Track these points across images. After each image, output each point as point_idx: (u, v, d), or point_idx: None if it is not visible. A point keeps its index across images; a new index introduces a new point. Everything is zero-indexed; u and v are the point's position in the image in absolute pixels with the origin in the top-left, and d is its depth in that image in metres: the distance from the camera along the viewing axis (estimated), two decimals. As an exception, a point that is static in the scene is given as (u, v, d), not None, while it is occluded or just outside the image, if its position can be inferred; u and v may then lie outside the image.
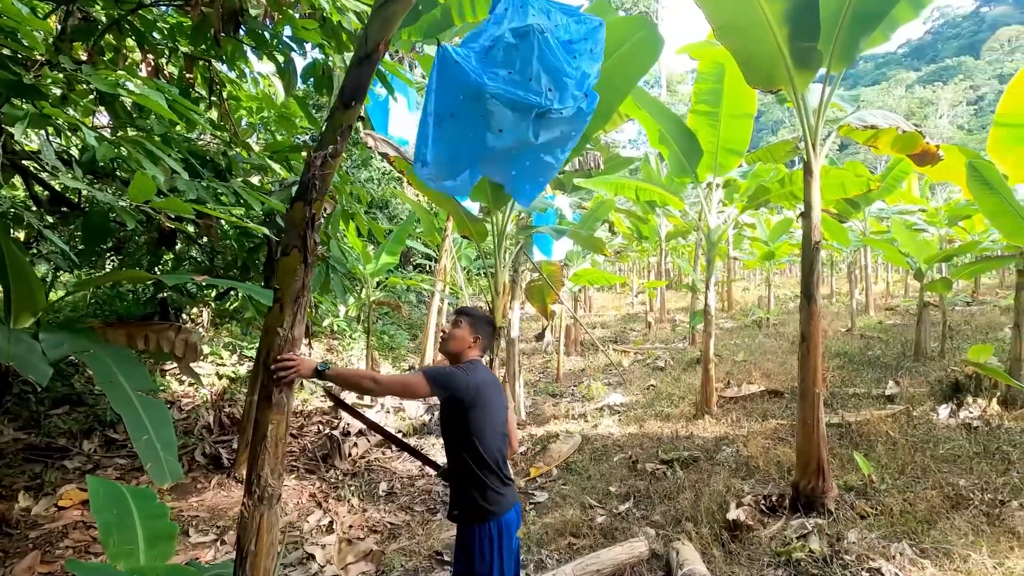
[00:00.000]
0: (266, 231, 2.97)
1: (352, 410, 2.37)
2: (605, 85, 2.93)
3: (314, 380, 1.95)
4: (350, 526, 3.99)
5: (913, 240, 6.64)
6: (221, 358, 7.21)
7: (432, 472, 2.35)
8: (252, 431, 1.90)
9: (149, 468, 2.10)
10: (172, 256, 4.82)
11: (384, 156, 3.37)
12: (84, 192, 2.18)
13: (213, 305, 7.43)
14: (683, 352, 9.10)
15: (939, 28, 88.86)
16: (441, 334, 2.20)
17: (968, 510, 2.81)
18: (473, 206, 4.71)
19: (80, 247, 3.68)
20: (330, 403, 6.10)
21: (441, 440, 2.16)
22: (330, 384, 2.22)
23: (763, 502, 3.18)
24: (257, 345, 7.69)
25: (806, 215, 3.17)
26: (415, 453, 2.40)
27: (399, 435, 5.95)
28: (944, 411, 4.35)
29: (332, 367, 1.92)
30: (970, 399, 4.47)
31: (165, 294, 4.54)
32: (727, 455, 4.11)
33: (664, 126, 4.99)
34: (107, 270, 4.86)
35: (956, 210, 10.60)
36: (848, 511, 2.97)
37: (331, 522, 4.01)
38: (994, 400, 4.39)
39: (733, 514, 2.95)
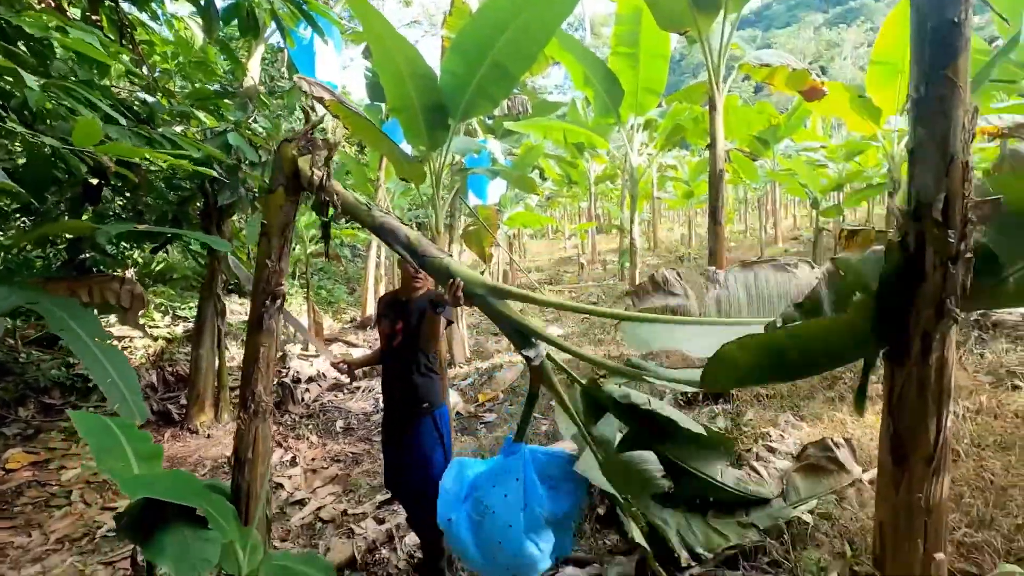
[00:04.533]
0: (215, 171, 3.01)
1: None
2: (524, 31, 3.13)
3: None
4: (312, 459, 4.24)
5: (810, 173, 7.37)
6: (153, 320, 7.03)
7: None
8: (244, 354, 2.08)
9: (118, 408, 2.25)
10: (92, 213, 4.63)
11: (319, 100, 3.41)
12: (26, 139, 2.17)
13: (139, 263, 7.16)
14: (614, 287, 9.72)
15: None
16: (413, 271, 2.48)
17: (838, 386, 3.45)
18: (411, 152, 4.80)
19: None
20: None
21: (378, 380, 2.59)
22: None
23: (681, 397, 3.72)
24: (191, 304, 7.51)
25: (712, 147, 3.57)
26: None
27: (348, 381, 6.16)
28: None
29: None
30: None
31: (87, 255, 4.41)
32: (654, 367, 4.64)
33: (588, 68, 5.23)
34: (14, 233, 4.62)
35: (853, 146, 11.66)
36: (748, 397, 3.55)
37: (294, 457, 4.24)
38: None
39: (655, 408, 3.45)
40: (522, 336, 1.89)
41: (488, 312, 1.94)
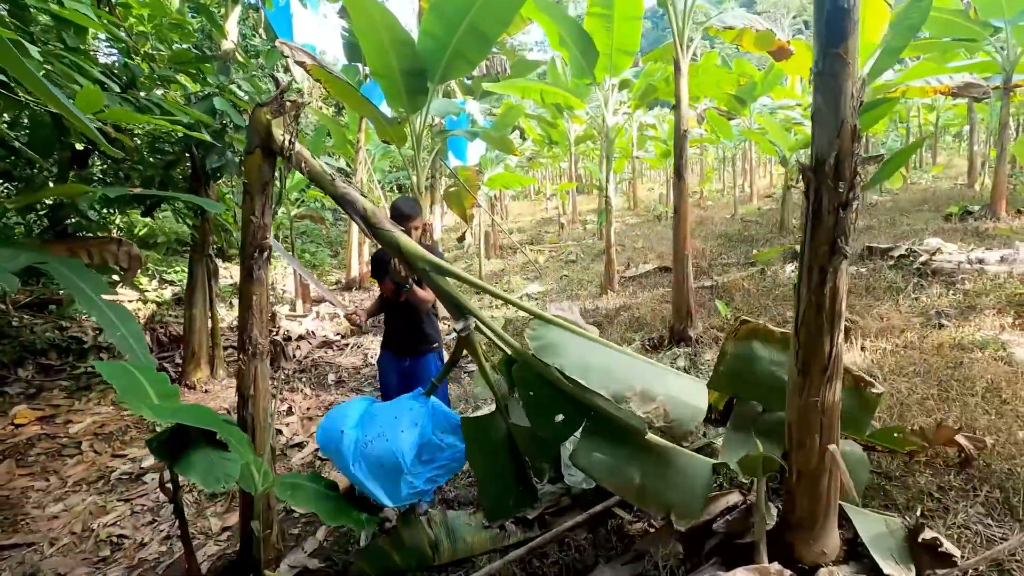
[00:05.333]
0: (206, 136, 3.15)
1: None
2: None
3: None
4: (308, 408, 4.52)
5: (779, 131, 7.62)
6: (141, 283, 7.15)
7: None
8: (239, 303, 2.31)
9: (129, 358, 2.48)
10: (77, 178, 4.73)
11: (301, 65, 3.53)
12: (29, 105, 2.31)
13: (122, 228, 7.22)
14: (592, 246, 10.00)
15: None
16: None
17: (787, 329, 3.80)
18: (389, 113, 4.92)
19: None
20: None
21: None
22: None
23: (648, 342, 4.06)
24: (177, 268, 7.63)
25: (676, 107, 3.78)
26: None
27: (338, 337, 6.41)
28: (789, 267, 5.44)
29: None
30: (811, 258, 5.57)
31: (72, 220, 4.51)
32: (624, 318, 4.98)
33: (563, 29, 5.32)
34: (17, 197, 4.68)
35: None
36: (708, 340, 3.90)
37: (289, 407, 4.52)
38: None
39: (624, 352, 3.79)
40: (457, 309, 2.18)
41: (429, 285, 2.22)
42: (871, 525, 1.80)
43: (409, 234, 2.77)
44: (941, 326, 3.41)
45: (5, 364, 5.12)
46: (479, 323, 2.25)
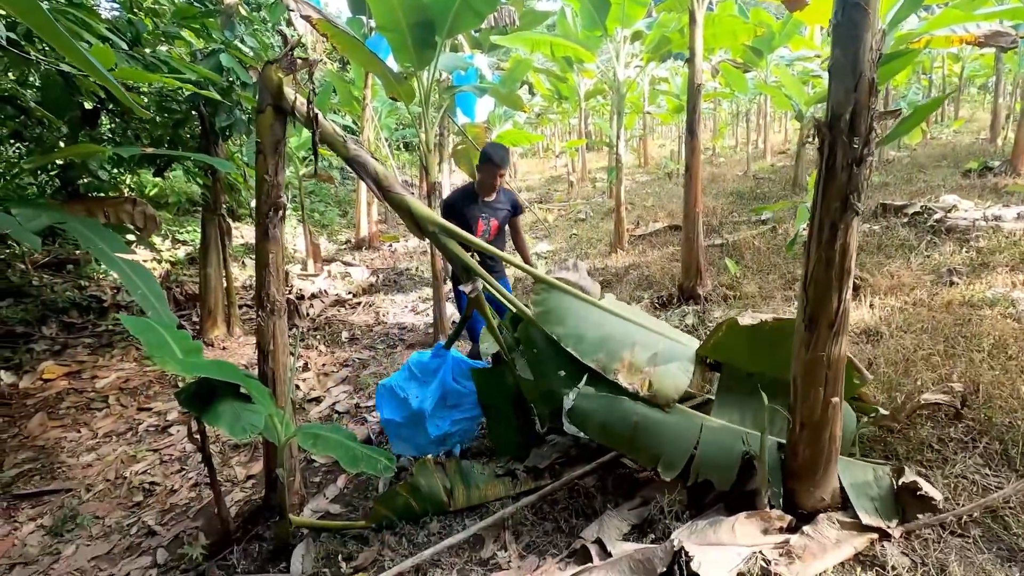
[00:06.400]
0: (215, 94, 3.13)
1: None
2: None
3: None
4: (323, 364, 4.65)
5: (795, 85, 7.39)
6: (154, 243, 7.22)
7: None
8: (255, 262, 2.36)
9: (151, 315, 2.55)
10: (88, 137, 4.72)
11: (307, 19, 3.45)
12: (40, 65, 2.30)
13: (132, 188, 7.25)
14: (602, 204, 9.91)
15: None
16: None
17: (793, 287, 3.82)
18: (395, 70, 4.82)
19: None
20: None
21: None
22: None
23: (657, 300, 4.09)
24: (190, 228, 7.69)
25: (690, 60, 3.67)
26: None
27: (350, 296, 6.50)
28: (801, 225, 5.38)
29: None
30: (823, 216, 5.50)
31: (83, 180, 4.53)
32: (633, 276, 5.00)
33: (574, -23, 5.14)
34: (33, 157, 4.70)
35: (845, 54, 11.39)
36: (717, 298, 3.92)
37: (305, 363, 4.64)
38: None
39: (633, 310, 3.84)
40: (465, 271, 2.30)
41: (439, 247, 2.29)
42: (856, 473, 1.87)
43: (495, 182, 2.97)
44: (952, 283, 3.40)
45: (29, 322, 5.26)
46: (487, 285, 2.32)
